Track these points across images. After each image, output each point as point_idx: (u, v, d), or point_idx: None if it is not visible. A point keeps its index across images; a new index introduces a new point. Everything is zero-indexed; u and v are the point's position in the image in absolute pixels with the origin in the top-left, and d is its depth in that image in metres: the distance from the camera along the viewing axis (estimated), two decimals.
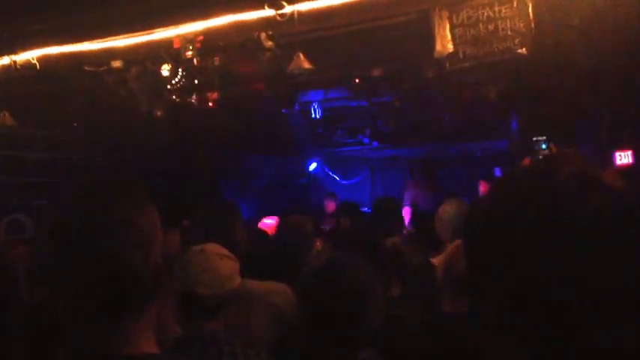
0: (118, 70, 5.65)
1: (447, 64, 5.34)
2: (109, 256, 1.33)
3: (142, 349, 1.38)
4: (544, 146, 7.26)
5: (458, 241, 3.79)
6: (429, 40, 5.17)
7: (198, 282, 2.73)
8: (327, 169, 13.66)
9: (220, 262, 2.83)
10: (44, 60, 5.29)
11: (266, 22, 5.05)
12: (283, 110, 8.69)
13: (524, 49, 5.03)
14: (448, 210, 4.67)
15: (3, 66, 5.32)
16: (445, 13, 5.15)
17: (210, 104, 7.06)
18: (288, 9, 4.87)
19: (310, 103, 9.20)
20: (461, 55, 5.21)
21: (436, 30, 5.15)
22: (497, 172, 8.95)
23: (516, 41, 5.05)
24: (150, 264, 1.38)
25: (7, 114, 6.32)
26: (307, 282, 2.46)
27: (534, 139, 7.92)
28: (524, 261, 0.97)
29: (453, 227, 4.51)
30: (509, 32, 5.05)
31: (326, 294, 2.32)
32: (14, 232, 5.34)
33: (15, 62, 5.26)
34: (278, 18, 4.91)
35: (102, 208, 1.36)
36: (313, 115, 9.39)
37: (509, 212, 1.02)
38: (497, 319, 1.03)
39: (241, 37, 5.38)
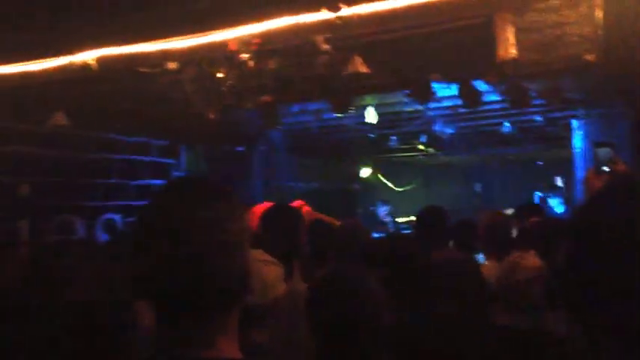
0: (172, 71, 5.65)
1: (510, 70, 5.18)
2: (197, 256, 1.33)
3: (224, 353, 1.39)
4: (607, 156, 7.00)
5: (517, 253, 3.66)
6: (492, 44, 5.02)
7: None
8: (380, 175, 13.52)
9: (265, 269, 2.77)
10: (101, 61, 5.31)
11: (323, 25, 4.97)
12: (337, 114, 8.58)
13: (591, 55, 4.83)
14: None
15: (60, 66, 5.36)
16: (509, 17, 5.01)
17: (265, 107, 7.02)
18: (345, 11, 4.76)
19: (365, 107, 9.06)
20: (524, 61, 5.05)
21: (499, 34, 5.02)
22: (558, 181, 8.68)
23: (583, 47, 4.87)
24: (237, 267, 1.40)
25: (61, 114, 6.39)
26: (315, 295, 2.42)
27: (597, 149, 7.69)
28: None
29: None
30: (575, 38, 4.87)
31: (332, 306, 2.28)
32: (65, 232, 5.37)
33: (72, 62, 5.28)
34: (336, 21, 4.80)
35: (193, 209, 1.37)
36: (367, 120, 9.25)
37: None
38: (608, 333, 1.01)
39: (298, 40, 5.32)
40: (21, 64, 5.48)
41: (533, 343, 3.07)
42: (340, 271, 2.52)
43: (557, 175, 9.67)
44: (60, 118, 6.33)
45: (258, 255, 2.86)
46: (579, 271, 1.07)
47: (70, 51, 5.30)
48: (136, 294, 1.84)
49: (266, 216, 4.02)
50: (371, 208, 11.69)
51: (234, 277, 1.39)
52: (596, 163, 6.71)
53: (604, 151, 5.57)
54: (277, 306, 2.77)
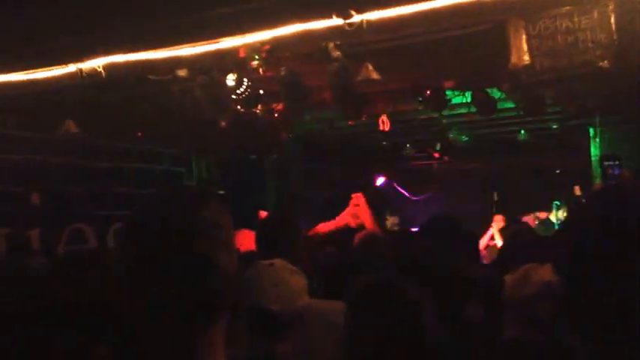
0: (183, 79, 5.64)
1: (523, 77, 5.13)
2: (201, 256, 1.30)
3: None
4: (617, 171, 6.92)
5: (528, 265, 3.58)
6: (504, 51, 4.97)
7: (269, 297, 2.61)
8: (394, 184, 13.45)
9: (291, 277, 2.72)
10: (110, 68, 5.30)
11: (334, 32, 4.93)
12: (350, 122, 8.55)
13: (606, 62, 4.77)
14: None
15: (69, 74, 5.35)
16: (521, 24, 4.97)
17: (276, 115, 7.01)
18: (357, 18, 4.72)
19: (378, 114, 9.03)
20: (538, 68, 5.02)
21: (512, 41, 4.99)
22: (577, 190, 8.58)
23: (597, 53, 4.82)
24: (233, 264, 1.37)
25: (71, 122, 6.41)
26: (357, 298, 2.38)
27: (606, 163, 7.61)
28: None
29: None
30: (589, 44, 4.83)
31: (375, 311, 2.25)
32: (76, 241, 5.37)
33: (81, 70, 5.28)
34: (346, 27, 4.76)
35: (190, 209, 1.34)
36: (381, 128, 9.20)
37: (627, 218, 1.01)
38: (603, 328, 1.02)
39: (308, 47, 5.30)
40: (30, 71, 5.49)
41: (539, 355, 3.01)
42: (384, 281, 2.46)
43: (576, 184, 9.54)
44: (71, 126, 6.35)
45: (283, 264, 2.82)
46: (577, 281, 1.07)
47: (79, 59, 5.30)
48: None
49: (264, 228, 4.01)
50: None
51: (233, 275, 1.36)
52: (603, 178, 6.67)
53: (613, 166, 5.50)
54: (301, 317, 2.72)
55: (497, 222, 8.16)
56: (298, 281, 2.75)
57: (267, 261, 2.82)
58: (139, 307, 1.33)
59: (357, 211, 5.82)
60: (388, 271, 3.30)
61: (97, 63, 5.27)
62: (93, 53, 5.22)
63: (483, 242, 7.94)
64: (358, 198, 5.79)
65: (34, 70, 5.46)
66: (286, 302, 2.62)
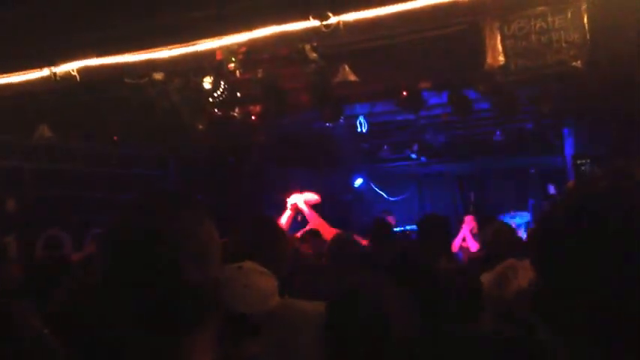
0: (159, 82, 5.61)
1: (499, 77, 5.17)
2: (169, 268, 1.29)
3: None
4: (589, 169, 6.99)
5: (508, 262, 3.61)
6: (480, 51, 5.01)
7: (239, 299, 2.59)
8: (373, 185, 13.47)
9: (260, 279, 2.72)
10: (84, 72, 5.26)
11: (311, 34, 4.94)
12: (328, 124, 8.56)
13: (579, 61, 4.84)
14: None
15: (42, 78, 5.30)
16: (496, 24, 5.01)
17: (253, 117, 6.99)
18: (333, 19, 4.74)
19: (356, 116, 9.05)
20: (512, 68, 5.06)
21: (487, 41, 5.02)
22: (551, 189, 8.67)
23: (571, 53, 4.88)
24: (209, 278, 1.35)
25: (45, 127, 6.34)
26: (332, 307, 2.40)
27: (578, 162, 7.70)
28: (610, 259, 0.97)
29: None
30: (563, 44, 4.89)
31: (351, 318, 2.27)
32: (52, 247, 5.30)
33: (55, 74, 5.23)
34: (323, 29, 4.77)
35: (161, 219, 1.33)
36: (359, 129, 9.23)
37: (595, 211, 1.02)
38: (571, 320, 1.02)
39: (285, 49, 5.30)
40: (4, 75, 5.43)
41: (516, 349, 3.04)
42: (363, 283, 2.48)
43: (551, 184, 9.64)
44: (45, 131, 6.29)
45: (252, 266, 2.82)
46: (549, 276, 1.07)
47: (53, 62, 5.25)
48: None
49: (245, 229, 4.00)
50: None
51: (206, 287, 1.34)
52: (575, 176, 6.73)
53: (585, 164, 5.56)
54: (271, 318, 2.72)
55: (469, 223, 8.18)
56: (268, 282, 2.75)
57: (236, 264, 2.82)
58: (114, 318, 1.34)
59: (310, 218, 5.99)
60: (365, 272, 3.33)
61: (71, 67, 5.23)
62: (67, 56, 5.17)
63: (456, 244, 7.98)
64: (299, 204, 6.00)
65: (7, 75, 5.40)
66: (256, 304, 2.61)
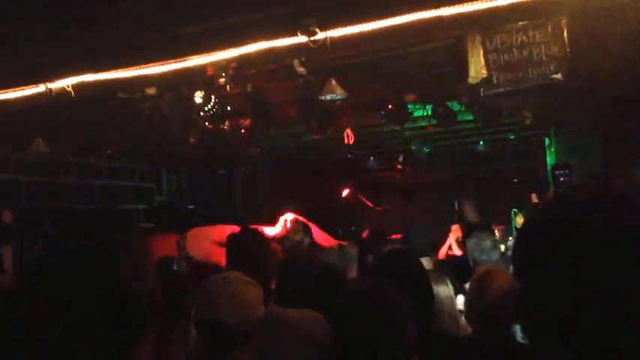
0: (152, 96, 5.70)
1: (481, 90, 5.28)
2: (109, 279, 1.35)
3: None
4: (567, 179, 7.10)
5: (484, 269, 3.72)
6: (463, 65, 5.12)
7: (223, 310, 2.67)
8: (359, 195, 13.59)
9: (246, 289, 2.78)
10: (79, 87, 5.34)
11: (298, 49, 5.04)
12: (315, 136, 8.67)
13: (559, 74, 4.94)
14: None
15: (38, 93, 5.38)
16: (478, 39, 5.09)
17: (243, 131, 7.09)
18: (320, 35, 4.84)
19: (343, 128, 9.15)
20: (495, 81, 5.14)
21: (470, 55, 5.10)
22: (534, 197, 8.80)
23: (551, 66, 4.96)
24: (146, 289, 1.41)
25: (41, 141, 6.41)
26: (344, 307, 2.44)
27: (557, 172, 7.83)
28: (591, 270, 0.97)
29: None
30: (544, 57, 4.96)
31: (363, 319, 2.31)
32: None
33: (50, 90, 5.32)
34: (311, 44, 4.88)
35: (100, 233, 1.40)
36: (346, 141, 9.34)
37: (572, 221, 1.02)
38: (553, 331, 1.02)
39: (274, 64, 5.38)
40: (1, 91, 5.51)
41: (498, 352, 3.14)
42: (367, 287, 2.55)
43: (533, 192, 9.79)
44: (40, 145, 6.36)
45: (238, 276, 2.90)
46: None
47: (48, 78, 5.34)
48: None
49: (232, 240, 4.12)
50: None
51: (144, 297, 1.40)
52: (555, 186, 6.82)
53: (563, 174, 5.68)
54: (258, 327, 2.80)
55: (455, 232, 8.25)
56: (253, 292, 2.79)
57: (221, 274, 2.88)
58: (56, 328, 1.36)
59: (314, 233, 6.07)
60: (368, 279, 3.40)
61: (66, 82, 5.32)
62: (62, 72, 5.26)
63: (442, 252, 8.06)
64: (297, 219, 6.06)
65: (4, 90, 5.48)
66: (241, 314, 2.67)
